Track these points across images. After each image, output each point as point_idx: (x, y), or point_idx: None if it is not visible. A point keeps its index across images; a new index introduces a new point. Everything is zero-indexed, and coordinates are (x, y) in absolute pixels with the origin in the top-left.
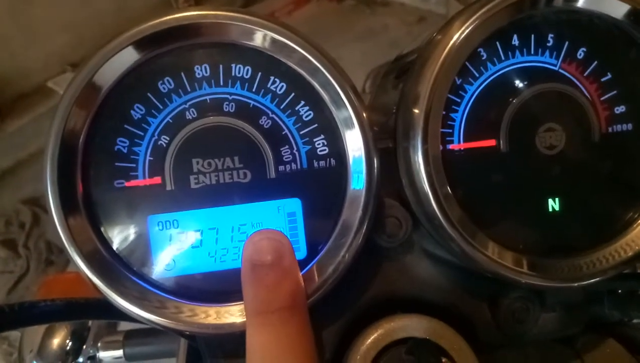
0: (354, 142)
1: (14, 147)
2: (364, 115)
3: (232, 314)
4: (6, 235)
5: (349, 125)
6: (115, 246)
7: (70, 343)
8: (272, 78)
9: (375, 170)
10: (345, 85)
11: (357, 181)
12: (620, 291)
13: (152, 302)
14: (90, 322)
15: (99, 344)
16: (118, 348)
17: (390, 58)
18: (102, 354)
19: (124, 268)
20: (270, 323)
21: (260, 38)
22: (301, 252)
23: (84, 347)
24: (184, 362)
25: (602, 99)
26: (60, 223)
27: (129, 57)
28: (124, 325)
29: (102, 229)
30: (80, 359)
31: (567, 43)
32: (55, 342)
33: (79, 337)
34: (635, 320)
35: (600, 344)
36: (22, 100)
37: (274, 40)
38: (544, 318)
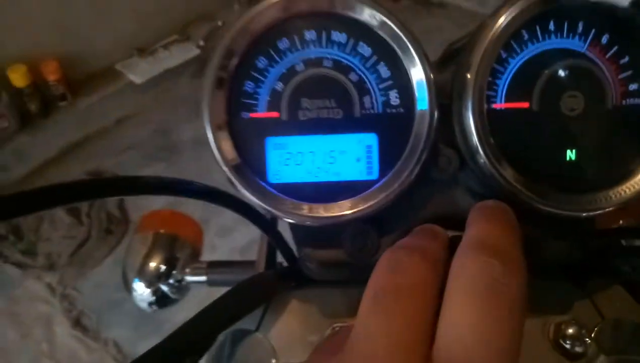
0: (420, 96)
1: (84, 123)
2: (432, 75)
3: (341, 207)
4: (71, 204)
5: (419, 83)
6: (246, 160)
7: (164, 268)
8: (361, 43)
9: (435, 119)
10: (421, 52)
11: (420, 126)
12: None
13: (285, 204)
14: (179, 253)
15: (187, 270)
16: (202, 275)
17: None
18: (188, 278)
19: (258, 178)
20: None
21: (367, 16)
22: (374, 174)
23: (174, 272)
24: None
25: (620, 77)
26: (216, 143)
27: (273, 14)
28: (206, 257)
29: (238, 148)
30: (171, 280)
31: (593, 30)
32: (152, 265)
33: (170, 263)
34: None
35: (608, 289)
36: (91, 80)
37: (382, 22)
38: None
